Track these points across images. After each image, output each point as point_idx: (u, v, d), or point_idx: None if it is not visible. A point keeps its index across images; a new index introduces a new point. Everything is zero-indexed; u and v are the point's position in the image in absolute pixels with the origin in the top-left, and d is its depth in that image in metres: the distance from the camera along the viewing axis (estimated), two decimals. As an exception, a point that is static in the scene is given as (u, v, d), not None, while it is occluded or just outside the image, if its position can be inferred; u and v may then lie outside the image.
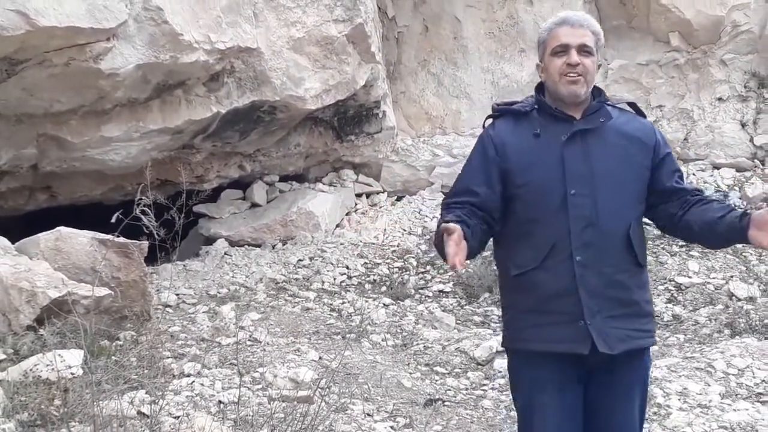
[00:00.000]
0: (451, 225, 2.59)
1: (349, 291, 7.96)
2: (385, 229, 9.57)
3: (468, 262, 2.77)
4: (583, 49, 2.84)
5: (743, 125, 10.68)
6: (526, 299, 2.85)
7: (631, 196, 2.88)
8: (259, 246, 9.33)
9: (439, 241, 2.64)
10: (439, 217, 2.88)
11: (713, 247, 3.31)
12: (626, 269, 2.84)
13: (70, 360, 4.52)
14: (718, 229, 2.79)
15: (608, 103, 2.97)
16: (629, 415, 2.93)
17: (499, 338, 6.07)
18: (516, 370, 3.01)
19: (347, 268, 8.52)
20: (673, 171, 2.94)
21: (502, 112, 2.99)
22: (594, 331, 2.77)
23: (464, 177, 2.96)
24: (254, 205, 9.87)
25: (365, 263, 8.68)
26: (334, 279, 8.25)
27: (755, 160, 10.53)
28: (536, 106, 2.94)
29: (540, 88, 3.00)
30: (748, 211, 2.77)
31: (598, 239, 2.79)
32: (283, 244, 9.30)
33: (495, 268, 7.26)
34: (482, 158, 2.92)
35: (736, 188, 10.02)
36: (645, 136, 2.93)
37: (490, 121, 3.02)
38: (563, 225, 2.78)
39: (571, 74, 2.83)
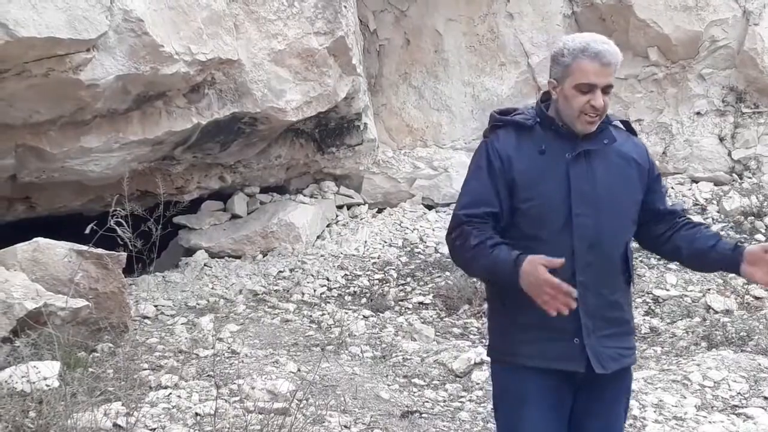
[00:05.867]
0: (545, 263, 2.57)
1: (329, 303, 7.96)
2: (365, 241, 9.59)
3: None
4: (608, 89, 2.79)
5: (721, 139, 10.77)
6: (526, 314, 2.74)
7: (627, 218, 2.91)
8: (239, 257, 9.32)
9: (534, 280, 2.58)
10: (474, 236, 2.76)
11: (700, 270, 3.36)
12: (620, 288, 2.88)
13: (46, 372, 4.50)
14: (709, 258, 2.87)
15: (611, 123, 2.94)
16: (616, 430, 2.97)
17: (478, 350, 6.17)
18: (503, 382, 2.95)
19: (327, 279, 8.52)
20: (664, 193, 3.03)
21: (504, 123, 2.91)
22: (590, 350, 2.77)
23: (478, 188, 2.86)
24: (235, 217, 9.85)
25: (345, 275, 8.68)
26: (314, 291, 8.25)
27: (733, 174, 10.62)
28: (538, 120, 2.89)
29: (544, 99, 2.95)
30: (740, 243, 2.84)
31: (599, 260, 2.80)
32: (264, 256, 9.29)
33: (474, 280, 7.33)
34: (490, 170, 2.83)
35: (714, 202, 10.11)
36: (640, 157, 2.95)
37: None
38: (567, 244, 2.76)
39: (592, 114, 2.78)
